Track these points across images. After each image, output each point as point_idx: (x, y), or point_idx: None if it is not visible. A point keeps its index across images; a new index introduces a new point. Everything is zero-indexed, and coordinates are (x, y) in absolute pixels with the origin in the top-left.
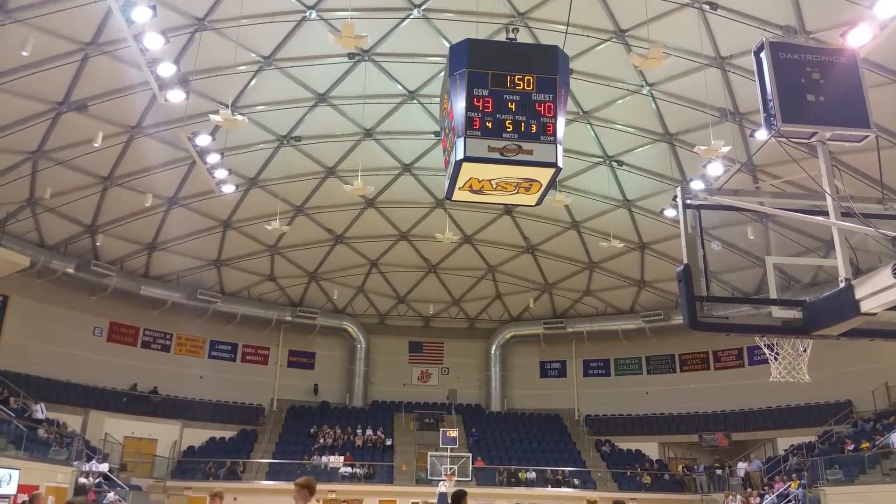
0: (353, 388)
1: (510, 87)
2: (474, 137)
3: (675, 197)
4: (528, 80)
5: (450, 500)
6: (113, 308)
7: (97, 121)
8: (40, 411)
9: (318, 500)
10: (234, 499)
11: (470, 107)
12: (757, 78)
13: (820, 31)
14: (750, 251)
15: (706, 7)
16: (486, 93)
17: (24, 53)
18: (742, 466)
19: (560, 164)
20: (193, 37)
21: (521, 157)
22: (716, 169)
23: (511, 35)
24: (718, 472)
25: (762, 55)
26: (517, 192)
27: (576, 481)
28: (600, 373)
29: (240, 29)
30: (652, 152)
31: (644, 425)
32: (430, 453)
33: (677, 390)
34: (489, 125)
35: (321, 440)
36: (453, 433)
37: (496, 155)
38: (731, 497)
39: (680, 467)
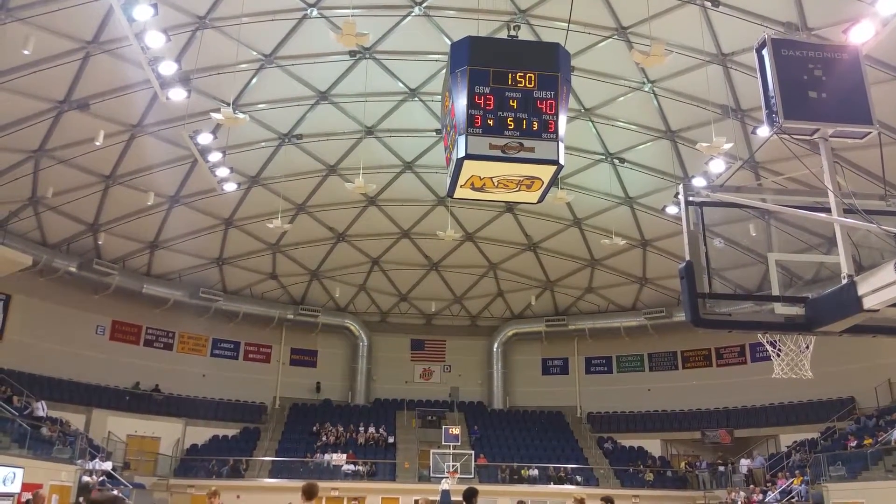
0: (355, 385)
1: (511, 85)
2: (476, 135)
3: (677, 194)
4: (530, 77)
5: (462, 497)
6: (115, 306)
7: (99, 119)
8: (41, 409)
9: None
10: (238, 496)
11: (471, 104)
12: (759, 75)
13: (822, 28)
14: (752, 248)
15: (708, 4)
16: (487, 90)
17: (26, 52)
18: (745, 463)
19: (562, 161)
20: (195, 35)
21: (522, 154)
22: (718, 166)
23: (512, 32)
24: (721, 468)
25: (764, 52)
26: (519, 190)
27: (578, 478)
28: (602, 370)
29: (241, 27)
30: (654, 149)
31: (646, 422)
32: (432, 451)
33: (680, 387)
34: (490, 123)
35: (324, 438)
36: (455, 431)
37: (497, 153)
38: (733, 494)
39: (682, 464)
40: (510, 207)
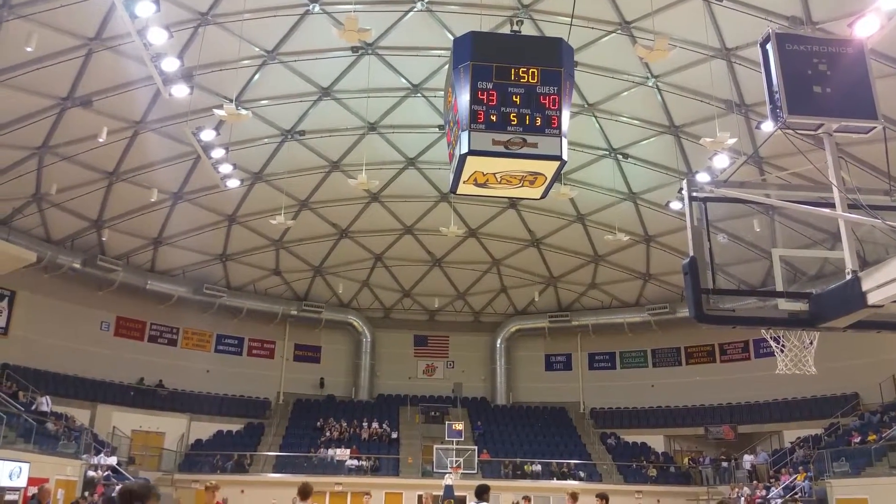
0: (358, 381)
1: (514, 80)
2: (478, 131)
3: (681, 189)
4: (533, 72)
5: (475, 494)
6: (119, 302)
7: (102, 116)
8: (45, 404)
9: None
10: (242, 491)
11: (474, 100)
12: (763, 69)
13: (826, 22)
14: (756, 243)
15: None
16: (490, 86)
17: (29, 49)
18: (748, 459)
19: (565, 157)
20: (197, 31)
21: (525, 150)
22: (722, 161)
23: (515, 28)
24: (724, 464)
25: (768, 46)
26: (522, 186)
27: (581, 474)
28: (606, 366)
29: (243, 23)
30: (657, 145)
31: (650, 418)
32: (435, 446)
33: (683, 383)
34: (493, 118)
35: (327, 433)
36: (459, 426)
37: (500, 148)
38: (737, 489)
39: (686, 460)
40: (513, 203)
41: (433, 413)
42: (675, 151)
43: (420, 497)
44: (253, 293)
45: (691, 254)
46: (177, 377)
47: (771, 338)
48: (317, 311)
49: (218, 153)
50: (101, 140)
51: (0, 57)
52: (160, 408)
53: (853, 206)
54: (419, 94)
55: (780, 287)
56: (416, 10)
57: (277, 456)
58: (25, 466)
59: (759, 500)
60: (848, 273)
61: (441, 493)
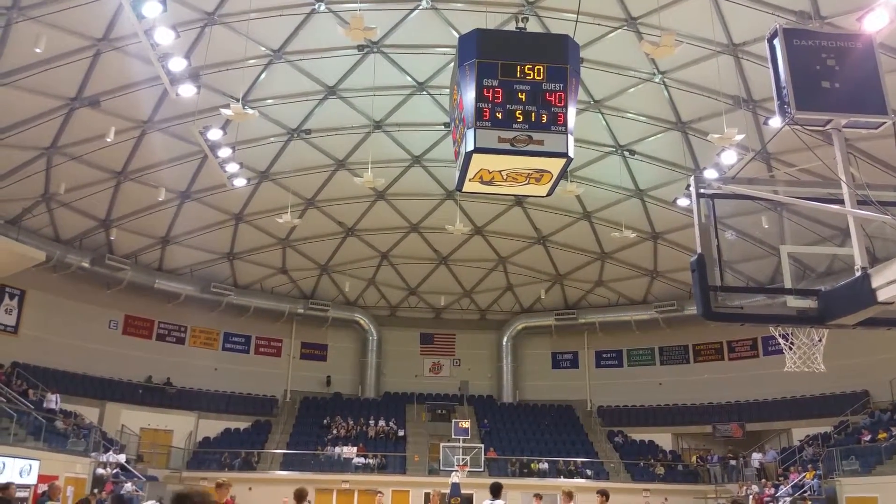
0: (365, 379)
1: (520, 77)
2: (484, 128)
3: (689, 186)
4: (539, 69)
5: (490, 492)
6: (128, 301)
7: (109, 116)
8: (53, 401)
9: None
10: (249, 488)
11: (480, 97)
12: (770, 65)
13: (835, 17)
14: (764, 240)
15: None
16: (495, 83)
17: (38, 50)
18: (757, 457)
19: (571, 154)
20: (203, 31)
21: (531, 147)
22: (729, 157)
23: (521, 24)
24: (732, 462)
25: (776, 42)
26: (528, 183)
27: (588, 472)
28: (613, 364)
29: (249, 23)
30: (664, 141)
31: (657, 416)
32: (442, 444)
33: (691, 381)
34: (499, 116)
35: (334, 431)
36: (465, 424)
37: (506, 146)
38: (745, 488)
39: (693, 458)
40: (519, 201)
41: (440, 411)
42: (682, 148)
43: (428, 495)
44: (260, 291)
45: (699, 251)
46: (185, 375)
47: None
48: (323, 309)
49: (225, 152)
50: (108, 140)
51: (10, 58)
52: (168, 406)
53: (863, 203)
54: (425, 92)
55: (788, 284)
56: (421, 7)
57: (285, 454)
58: (35, 464)
59: (767, 499)
60: (857, 270)
61: (448, 490)
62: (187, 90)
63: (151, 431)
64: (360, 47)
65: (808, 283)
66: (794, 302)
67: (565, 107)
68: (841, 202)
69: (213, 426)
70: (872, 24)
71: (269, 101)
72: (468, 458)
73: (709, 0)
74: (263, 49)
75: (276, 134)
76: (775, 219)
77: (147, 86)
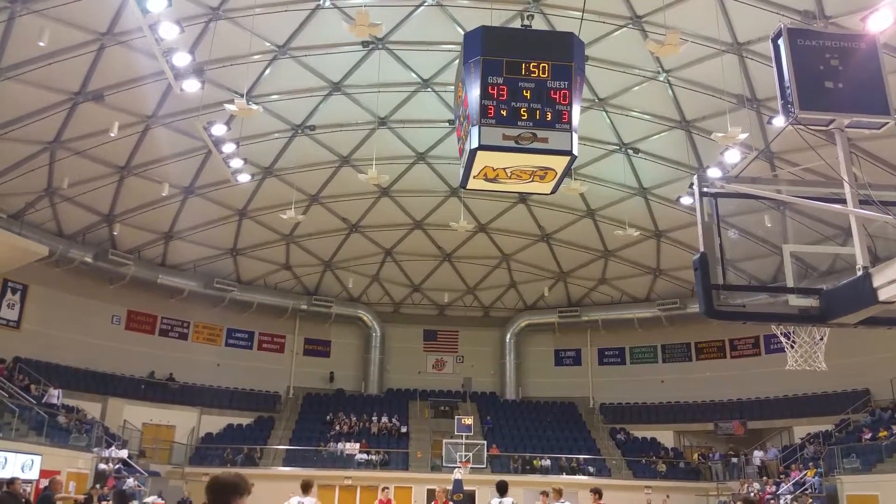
0: (368, 375)
1: (525, 75)
2: (489, 126)
3: (692, 185)
4: (543, 67)
5: (496, 489)
6: (130, 296)
7: (113, 111)
8: (55, 396)
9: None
10: (252, 484)
11: (484, 95)
12: (774, 65)
13: (839, 17)
14: (767, 239)
15: None
16: (500, 80)
17: (41, 44)
18: (758, 455)
19: (575, 152)
20: (208, 26)
21: (535, 145)
22: (733, 156)
23: (526, 22)
24: (734, 460)
25: (780, 42)
26: (532, 181)
27: (591, 469)
28: (615, 361)
29: (254, 18)
30: (668, 139)
31: (659, 413)
32: (445, 441)
33: (693, 378)
34: (504, 113)
35: (337, 427)
36: (468, 421)
37: (511, 143)
38: (746, 485)
39: (695, 456)
40: (523, 198)
41: (442, 408)
42: (686, 146)
43: (433, 491)
44: (263, 287)
45: (702, 249)
46: (187, 371)
47: (781, 333)
48: (327, 305)
49: (229, 148)
50: (112, 135)
51: (13, 52)
52: (171, 401)
53: (865, 202)
54: (429, 89)
55: (790, 283)
56: (426, 4)
57: (287, 449)
58: (37, 459)
59: (768, 497)
60: (859, 269)
61: (451, 487)
62: (191, 85)
63: (154, 427)
64: (364, 43)
65: (809, 282)
66: (795, 301)
67: (570, 104)
68: (843, 202)
69: (215, 422)
70: (876, 25)
71: (274, 97)
72: (471, 454)
73: None
74: (268, 44)
75: (280, 130)
76: (778, 218)
77: (151, 80)
